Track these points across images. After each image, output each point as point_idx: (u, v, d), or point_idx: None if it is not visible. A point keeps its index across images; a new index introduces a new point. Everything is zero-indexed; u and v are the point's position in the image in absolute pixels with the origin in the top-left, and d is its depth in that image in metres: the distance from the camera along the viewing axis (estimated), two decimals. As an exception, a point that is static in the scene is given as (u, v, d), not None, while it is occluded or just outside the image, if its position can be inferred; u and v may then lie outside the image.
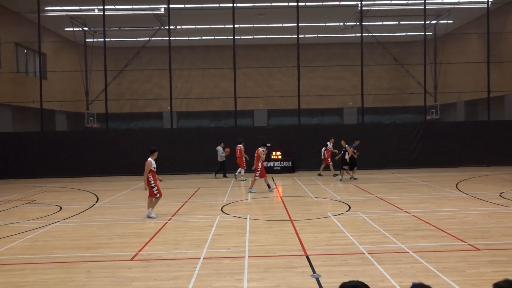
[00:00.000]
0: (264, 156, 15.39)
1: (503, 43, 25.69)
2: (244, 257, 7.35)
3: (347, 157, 17.87)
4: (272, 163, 21.65)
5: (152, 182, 11.01)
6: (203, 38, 30.93)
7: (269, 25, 27.61)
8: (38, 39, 22.47)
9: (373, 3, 24.47)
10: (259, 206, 12.71)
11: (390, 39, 31.16)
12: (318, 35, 30.52)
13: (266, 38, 31.06)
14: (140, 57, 29.51)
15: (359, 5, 23.25)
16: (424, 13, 23.31)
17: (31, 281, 6.42)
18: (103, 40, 23.27)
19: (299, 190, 15.49)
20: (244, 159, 19.37)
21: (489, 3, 23.22)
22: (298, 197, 14.05)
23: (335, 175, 19.25)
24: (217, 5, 23.65)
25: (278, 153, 21.76)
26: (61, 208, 12.77)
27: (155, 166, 11.16)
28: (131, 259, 7.41)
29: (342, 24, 28.30)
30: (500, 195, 13.08)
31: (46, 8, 23.85)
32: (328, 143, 19.72)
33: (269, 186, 15.34)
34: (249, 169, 18.22)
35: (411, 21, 27.60)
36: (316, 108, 32.56)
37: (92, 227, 10.12)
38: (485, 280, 5.94)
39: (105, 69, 22.92)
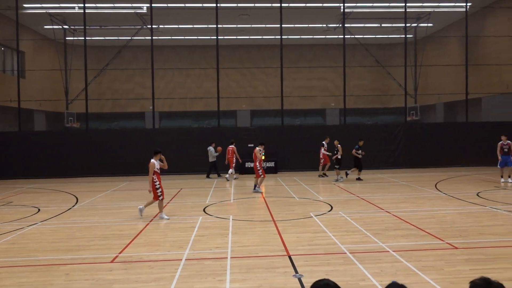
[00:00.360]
0: (261, 155, 15.36)
1: (481, 47, 26.30)
2: (227, 258, 7.34)
3: (339, 156, 18.09)
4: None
5: (157, 183, 10.94)
6: (186, 38, 30.76)
7: (253, 25, 27.63)
8: (16, 37, 22.01)
9: (356, 5, 24.75)
10: (242, 206, 12.70)
11: (372, 41, 31.56)
12: (301, 36, 30.69)
13: (250, 38, 31.08)
14: (122, 56, 29.19)
15: (342, 7, 23.49)
16: (405, 16, 23.68)
17: (7, 285, 6.27)
18: (83, 38, 22.91)
19: (282, 191, 15.54)
20: (235, 160, 19.57)
21: (468, 7, 23.73)
22: (281, 197, 14.09)
23: (321, 175, 19.38)
24: (200, 4, 23.57)
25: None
26: (39, 210, 12.52)
27: (158, 167, 11.07)
28: (112, 261, 7.31)
29: (325, 25, 28.52)
30: (477, 195, 13.36)
31: (25, 5, 23.37)
32: (324, 142, 19.48)
33: (255, 186, 15.34)
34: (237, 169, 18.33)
35: (392, 23, 28.01)
36: (299, 109, 32.73)
37: (71, 229, 9.95)
38: (463, 278, 6.06)
39: (85, 68, 22.58)
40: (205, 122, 31.82)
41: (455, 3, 24.48)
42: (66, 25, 27.40)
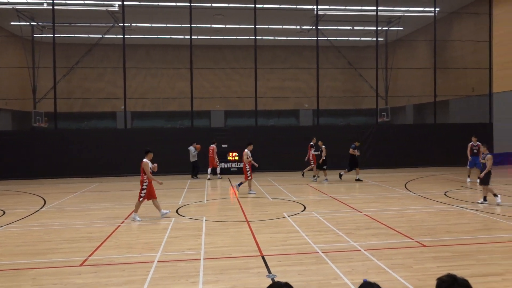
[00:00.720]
0: (246, 157, 15.11)
1: (448, 50, 27.13)
2: (200, 259, 7.29)
3: (323, 157, 18.06)
4: (228, 164, 21.63)
5: (146, 184, 10.78)
6: (159, 37, 30.38)
7: (227, 26, 27.57)
8: (-19, 33, 21.21)
9: (328, 8, 25.07)
10: (215, 207, 12.65)
11: (345, 43, 32.01)
12: (275, 38, 30.83)
13: (224, 39, 30.99)
14: (92, 54, 28.52)
15: (315, 9, 23.75)
16: (376, 20, 24.18)
17: (-30, 290, 6.04)
18: (52, 35, 22.29)
19: (256, 191, 15.56)
20: (217, 159, 19.98)
21: (436, 12, 24.44)
22: (255, 198, 14.11)
23: (314, 176, 19.01)
24: (174, 4, 23.33)
25: (235, 154, 21.75)
26: (4, 213, 12.10)
27: (151, 167, 10.93)
28: (81, 265, 7.14)
29: (298, 27, 28.76)
30: (444, 194, 13.77)
31: (-10, 0, 22.56)
32: (312, 143, 19.29)
33: (239, 185, 15.28)
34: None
35: (364, 26, 28.54)
36: (272, 109, 32.86)
37: (39, 232, 9.66)
38: (431, 275, 6.23)
39: (54, 66, 21.98)
40: (178, 123, 31.50)
41: (424, 8, 25.15)
42: (34, 21, 26.59)
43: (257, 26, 23.11)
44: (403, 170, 21.57)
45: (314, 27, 25.46)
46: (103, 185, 18.48)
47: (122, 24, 22.68)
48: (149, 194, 10.86)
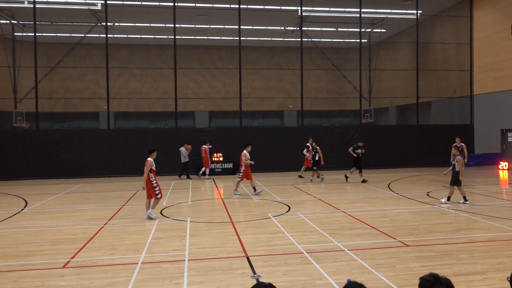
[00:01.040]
0: (245, 159, 14.81)
1: (430, 53, 27.58)
2: (184, 260, 7.25)
3: (317, 158, 18.04)
4: (213, 165, 21.57)
5: (154, 182, 10.87)
6: (142, 36, 30.11)
7: (211, 26, 27.49)
8: (-41, 31, 20.71)
9: (313, 9, 25.23)
10: (200, 208, 12.59)
11: (329, 44, 32.24)
12: (260, 38, 30.87)
13: (208, 39, 30.88)
14: (75, 53, 28.11)
15: (299, 10, 23.86)
16: (360, 22, 24.42)
17: None
18: (33, 34, 21.91)
19: (240, 192, 15.55)
20: (209, 160, 20.24)
21: (418, 14, 24.82)
22: (239, 198, 14.10)
23: (318, 176, 18.79)
24: (158, 3, 23.17)
25: (220, 154, 21.71)
26: (-16, 214, 11.83)
27: (154, 166, 10.99)
28: (63, 267, 7.03)
29: (282, 28, 28.86)
30: (427, 194, 13.98)
31: (-31, -3, 22.05)
32: (308, 144, 19.08)
33: (254, 190, 14.83)
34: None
35: (347, 28, 28.80)
36: (257, 110, 32.88)
37: (20, 234, 9.47)
38: (413, 274, 6.31)
39: (35, 65, 21.61)
40: (162, 123, 31.27)
41: (407, 10, 25.52)
42: (14, 20, 26.07)
43: (241, 27, 23.11)
44: (386, 171, 21.82)
45: (298, 28, 25.58)
46: (86, 186, 18.24)
47: (105, 24, 22.41)
48: (149, 193, 10.93)
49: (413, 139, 23.60)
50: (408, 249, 7.71)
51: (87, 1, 23.07)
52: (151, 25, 27.23)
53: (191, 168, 20.88)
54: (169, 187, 17.23)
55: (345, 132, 23.40)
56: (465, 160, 16.76)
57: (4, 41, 26.96)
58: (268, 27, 28.54)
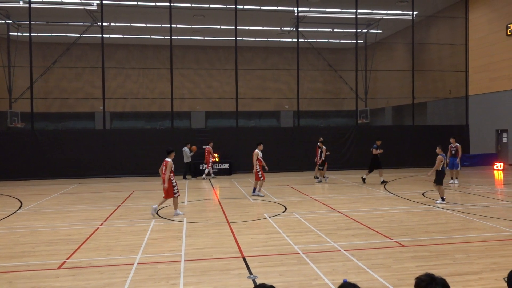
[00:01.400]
0: (256, 157, 14.38)
1: (426, 53, 27.69)
2: (180, 261, 7.24)
3: (322, 157, 17.95)
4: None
5: (174, 182, 11.25)
6: (138, 36, 30.05)
7: (207, 26, 27.47)
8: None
9: (309, 10, 25.27)
10: (196, 209, 12.57)
11: (325, 45, 32.32)
12: (256, 39, 30.89)
13: (204, 39, 30.87)
14: (70, 53, 28.02)
15: (295, 11, 23.89)
16: (356, 22, 24.48)
17: None
18: (28, 34, 21.82)
19: (237, 192, 15.55)
20: (211, 160, 20.38)
21: (414, 15, 24.91)
22: (236, 199, 14.09)
23: (325, 176, 18.66)
24: (154, 3, 23.13)
25: (216, 155, 21.68)
26: (-21, 215, 11.76)
27: (173, 166, 11.39)
28: (59, 268, 7.00)
29: (279, 28, 28.89)
30: (423, 195, 14.03)
31: (-37, -3, 21.92)
32: (319, 143, 18.89)
33: (254, 190, 14.65)
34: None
35: (343, 29, 28.86)
36: (253, 110, 32.89)
37: (15, 235, 9.43)
38: (409, 274, 6.33)
39: (30, 65, 21.52)
40: (159, 123, 31.22)
41: (402, 11, 25.61)
42: (9, 19, 25.96)
43: (237, 27, 23.11)
44: (382, 171, 21.84)
45: (294, 29, 25.62)
46: (82, 186, 18.17)
47: (100, 24, 22.35)
48: (169, 192, 11.20)
49: (409, 140, 23.68)
50: (404, 249, 7.73)
51: (82, 1, 23.00)
52: (147, 25, 27.20)
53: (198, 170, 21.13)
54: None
55: (342, 133, 23.45)
56: (458, 160, 16.85)
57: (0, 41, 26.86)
58: (264, 28, 28.56)
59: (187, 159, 20.12)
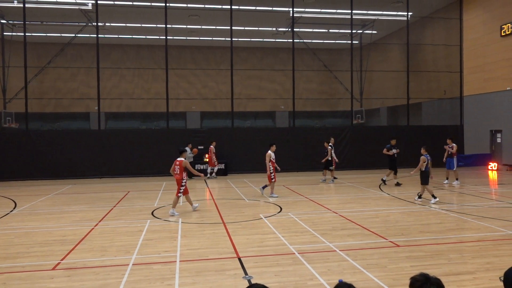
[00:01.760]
0: (269, 159, 14.24)
1: (420, 54, 27.80)
2: (176, 261, 7.22)
3: (329, 158, 17.91)
4: (205, 166, 21.52)
5: (185, 181, 11.68)
6: (134, 37, 29.96)
7: (202, 26, 27.43)
8: None
9: (304, 11, 25.31)
10: (191, 209, 12.54)
11: (320, 46, 32.38)
12: (251, 39, 30.90)
13: (200, 40, 30.83)
14: (65, 53, 27.89)
15: (291, 11, 23.92)
16: (351, 23, 24.54)
17: None
18: (23, 34, 21.69)
19: (232, 193, 15.54)
20: (214, 159, 20.56)
21: (409, 16, 25.01)
22: (231, 199, 14.08)
23: (334, 177, 18.57)
24: (149, 4, 23.07)
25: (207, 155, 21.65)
26: (-28, 216, 11.68)
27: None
28: (53, 268, 6.96)
29: (274, 29, 28.90)
30: (417, 195, 14.05)
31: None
32: (331, 144, 18.68)
33: (263, 188, 14.60)
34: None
35: (339, 29, 28.92)
36: (249, 111, 32.89)
37: (9, 236, 9.37)
38: (404, 274, 6.35)
39: (25, 66, 21.40)
40: (154, 124, 31.13)
41: (397, 12, 25.70)
42: (4, 19, 25.80)
43: (233, 28, 23.10)
44: (377, 171, 21.90)
45: (289, 29, 25.65)
46: (77, 187, 18.09)
47: (95, 24, 22.26)
48: (185, 190, 11.74)
49: (404, 140, 23.71)
50: (399, 249, 7.75)
51: (77, 1, 22.90)
52: (143, 25, 27.12)
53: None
54: (161, 188, 17.15)
55: (337, 133, 23.47)
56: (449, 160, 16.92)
57: (-7, 41, 26.68)
58: (260, 28, 28.57)
59: (188, 159, 20.11)
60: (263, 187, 14.74)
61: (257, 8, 24.49)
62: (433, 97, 26.57)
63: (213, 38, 30.36)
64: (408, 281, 2.44)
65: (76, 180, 20.35)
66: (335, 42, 32.35)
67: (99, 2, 21.83)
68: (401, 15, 25.71)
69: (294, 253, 7.53)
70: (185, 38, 30.00)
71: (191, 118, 33.19)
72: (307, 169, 22.37)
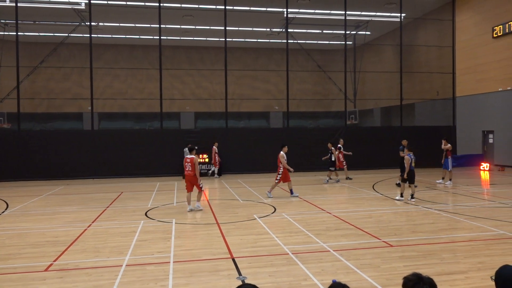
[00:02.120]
0: (283, 160, 14.09)
1: (414, 55, 27.96)
2: (169, 262, 7.20)
3: (333, 159, 17.95)
4: (199, 166, 21.48)
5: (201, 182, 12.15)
6: (127, 37, 29.84)
7: (196, 27, 27.39)
8: None
9: (298, 11, 25.36)
10: (185, 210, 12.50)
11: (314, 46, 32.46)
12: (245, 40, 30.89)
13: (194, 40, 30.77)
14: (58, 53, 27.71)
15: (285, 12, 23.96)
16: (345, 24, 24.63)
17: None
18: (15, 34, 21.53)
19: (226, 193, 15.53)
20: (217, 159, 20.73)
21: (402, 17, 25.15)
22: (225, 200, 14.07)
23: (348, 177, 18.67)
24: (143, 3, 22.99)
25: (205, 156, 21.63)
26: (-37, 217, 11.57)
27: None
28: (46, 270, 6.91)
29: (268, 29, 28.92)
30: (410, 195, 14.11)
31: None
32: (340, 145, 18.83)
33: (291, 192, 14.31)
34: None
35: (332, 30, 29.01)
36: (243, 111, 32.88)
37: (0, 237, 9.29)
38: (397, 274, 6.38)
39: (17, 65, 21.24)
40: (147, 124, 31.01)
41: (391, 13, 25.84)
42: (-5, 18, 25.59)
43: (227, 28, 23.09)
44: (371, 172, 22.03)
45: (284, 30, 25.68)
46: (69, 188, 17.98)
47: (89, 23, 22.14)
48: (192, 186, 12.02)
49: (397, 140, 23.76)
50: (392, 249, 7.79)
51: (70, 0, 22.76)
52: (136, 25, 27.02)
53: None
54: (154, 189, 17.09)
55: (331, 134, 23.53)
56: (443, 160, 17.00)
57: (-15, 40, 26.43)
58: (254, 29, 28.58)
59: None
60: (291, 192, 14.24)
61: (251, 8, 24.50)
62: (426, 98, 26.73)
63: (207, 39, 30.31)
64: (401, 281, 2.45)
65: (68, 180, 20.22)
66: (329, 43, 32.44)
67: (92, 1, 21.73)
68: (395, 16, 25.86)
69: (288, 254, 7.54)
70: (179, 38, 29.92)
71: (185, 118, 33.08)
72: (301, 169, 22.37)
